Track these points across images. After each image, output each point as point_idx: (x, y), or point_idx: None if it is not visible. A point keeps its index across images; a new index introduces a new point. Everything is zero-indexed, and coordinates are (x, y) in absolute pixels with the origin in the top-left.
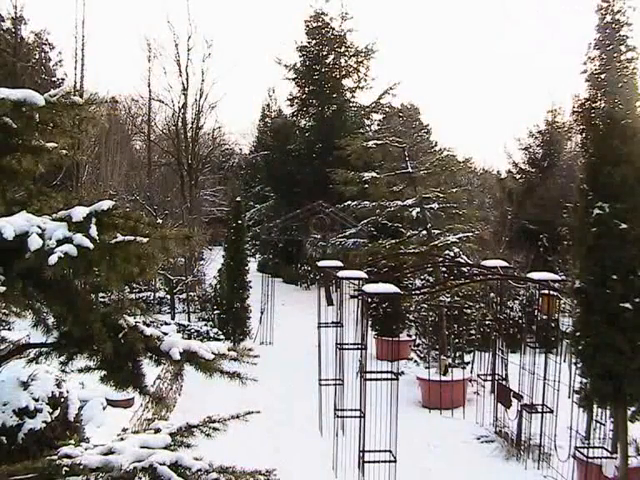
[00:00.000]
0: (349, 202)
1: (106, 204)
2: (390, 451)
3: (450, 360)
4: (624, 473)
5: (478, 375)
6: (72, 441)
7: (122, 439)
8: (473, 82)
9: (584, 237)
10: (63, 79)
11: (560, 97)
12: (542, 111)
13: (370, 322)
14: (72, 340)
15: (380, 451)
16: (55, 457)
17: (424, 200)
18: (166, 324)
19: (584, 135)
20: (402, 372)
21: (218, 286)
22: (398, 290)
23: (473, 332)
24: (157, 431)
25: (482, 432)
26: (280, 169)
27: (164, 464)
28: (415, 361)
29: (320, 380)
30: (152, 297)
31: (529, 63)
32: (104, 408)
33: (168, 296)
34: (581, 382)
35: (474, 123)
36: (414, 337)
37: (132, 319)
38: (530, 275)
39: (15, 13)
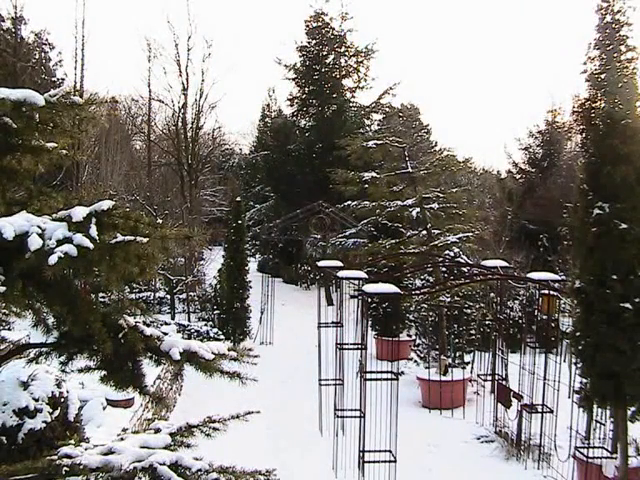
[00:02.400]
0: (349, 202)
1: (106, 204)
2: (390, 451)
3: (450, 360)
4: (624, 473)
5: (478, 375)
6: (72, 441)
7: (122, 439)
8: (473, 82)
9: (584, 237)
10: (63, 79)
11: (560, 97)
12: (542, 111)
13: (370, 322)
14: (72, 340)
15: (380, 451)
16: (55, 457)
17: (424, 200)
18: (166, 324)
19: (584, 135)
20: (402, 372)
21: (218, 286)
22: (398, 290)
23: (473, 332)
24: (157, 431)
25: (482, 432)
26: (280, 169)
27: (164, 464)
28: (415, 361)
29: (320, 380)
30: (152, 297)
31: (529, 63)
32: (104, 408)
33: (168, 296)
34: (581, 382)
35: (474, 123)
36: (414, 337)
37: (132, 319)
38: (530, 275)
39: (15, 13)
